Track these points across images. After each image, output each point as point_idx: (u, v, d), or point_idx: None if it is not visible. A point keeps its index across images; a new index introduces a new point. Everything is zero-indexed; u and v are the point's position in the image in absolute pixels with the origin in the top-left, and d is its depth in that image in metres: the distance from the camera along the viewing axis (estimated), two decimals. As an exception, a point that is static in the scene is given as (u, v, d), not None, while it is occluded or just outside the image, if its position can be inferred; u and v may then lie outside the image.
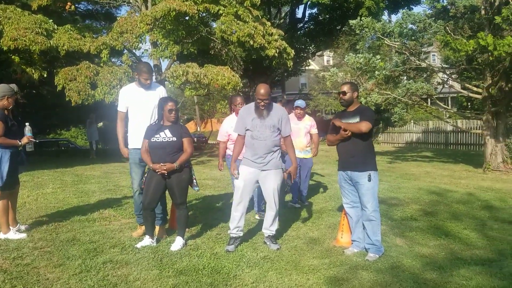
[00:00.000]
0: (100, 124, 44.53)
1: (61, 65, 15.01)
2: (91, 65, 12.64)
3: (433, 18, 11.86)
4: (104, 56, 12.56)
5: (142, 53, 16.16)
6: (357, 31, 12.75)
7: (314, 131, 7.37)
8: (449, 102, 29.01)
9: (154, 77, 5.29)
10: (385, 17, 22.17)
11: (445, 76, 13.77)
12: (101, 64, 12.93)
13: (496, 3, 10.97)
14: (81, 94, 12.08)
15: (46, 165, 13.05)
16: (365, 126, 4.40)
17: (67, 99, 12.18)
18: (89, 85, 12.38)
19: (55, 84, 12.27)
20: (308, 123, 7.24)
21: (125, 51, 13.87)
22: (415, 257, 4.52)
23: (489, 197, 7.94)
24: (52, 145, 31.06)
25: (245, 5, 13.26)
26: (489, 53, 9.82)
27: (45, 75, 12.47)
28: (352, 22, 12.43)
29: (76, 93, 12.03)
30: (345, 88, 4.66)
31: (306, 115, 7.36)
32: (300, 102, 7.23)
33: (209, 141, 37.91)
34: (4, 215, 5.11)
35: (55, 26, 12.67)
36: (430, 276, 4.01)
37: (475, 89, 12.50)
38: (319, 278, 3.96)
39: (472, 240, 5.20)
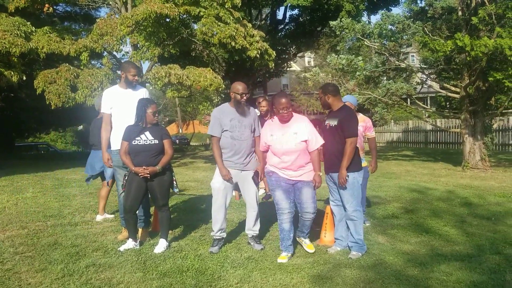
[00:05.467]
0: (80, 127, 44.05)
1: (39, 68, 14.84)
2: (71, 67, 12.53)
3: (412, 19, 12.04)
4: (84, 59, 12.45)
5: (123, 55, 16.05)
6: (338, 32, 12.86)
7: (371, 134, 5.85)
8: (428, 102, 29.43)
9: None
10: (364, 18, 22.40)
11: (424, 76, 13.99)
12: (81, 67, 12.81)
13: (473, 4, 11.20)
14: (61, 97, 11.96)
15: (26, 169, 12.89)
16: (350, 148, 4.43)
17: (47, 102, 12.03)
18: (69, 87, 12.26)
19: (35, 87, 12.12)
20: (361, 124, 5.59)
21: (105, 53, 13.77)
22: (397, 254, 4.59)
23: (468, 194, 8.09)
24: (31, 149, 30.66)
25: (226, 6, 13.26)
26: (467, 54, 10.01)
27: (24, 78, 12.28)
28: (332, 23, 12.54)
29: (56, 96, 11.90)
30: (319, 94, 4.76)
31: (360, 114, 5.79)
32: (348, 97, 5.63)
33: (191, 143, 37.85)
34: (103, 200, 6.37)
35: (34, 29, 12.52)
36: (412, 272, 4.07)
37: (453, 88, 12.72)
38: (303, 277, 3.99)
39: (452, 236, 5.30)
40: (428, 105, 25.18)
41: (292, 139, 4.46)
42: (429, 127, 21.78)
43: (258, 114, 5.64)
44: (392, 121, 24.27)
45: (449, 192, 8.41)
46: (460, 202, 7.38)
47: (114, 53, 14.04)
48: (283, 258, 4.47)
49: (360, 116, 5.70)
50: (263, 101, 6.57)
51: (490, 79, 9.98)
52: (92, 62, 17.72)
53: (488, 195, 8.01)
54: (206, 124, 42.86)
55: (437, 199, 7.69)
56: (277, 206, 4.62)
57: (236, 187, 5.10)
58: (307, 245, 4.72)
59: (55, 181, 10.55)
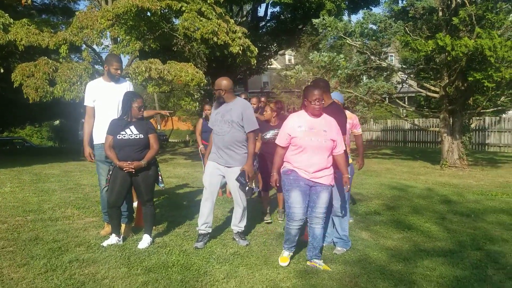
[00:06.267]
0: (57, 122, 43.25)
1: (16, 61, 14.52)
2: (49, 61, 12.27)
3: (393, 19, 12.17)
4: (63, 52, 12.22)
5: (103, 49, 15.80)
6: (320, 30, 12.92)
7: (358, 131, 5.75)
8: (406, 101, 29.83)
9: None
10: (345, 17, 22.57)
11: (404, 75, 14.16)
12: (60, 60, 12.58)
13: (453, 5, 11.38)
14: (39, 91, 11.71)
15: (2, 164, 12.60)
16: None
17: (24, 96, 11.77)
18: (48, 81, 12.02)
19: (12, 80, 11.84)
20: (349, 121, 5.39)
21: (84, 46, 13.55)
22: (380, 250, 4.64)
23: (447, 192, 8.23)
24: (7, 144, 30.03)
25: (208, 2, 13.18)
26: (447, 54, 10.17)
27: (1, 71, 11.99)
28: (315, 21, 12.59)
29: (34, 89, 11.65)
30: None
31: (348, 111, 5.72)
32: (335, 95, 5.48)
33: (170, 140, 37.57)
34: None
35: (12, 20, 12.23)
36: (396, 267, 4.12)
37: (432, 88, 12.91)
38: (290, 272, 4.00)
39: (433, 232, 5.39)
40: (407, 104, 25.52)
41: (322, 135, 4.06)
42: (407, 126, 22.08)
43: None
44: (372, 120, 24.52)
45: (428, 189, 8.54)
46: (439, 200, 7.50)
47: (94, 46, 13.83)
48: (285, 260, 4.17)
49: (348, 113, 5.60)
50: (254, 98, 6.55)
51: (470, 79, 10.15)
52: (71, 55, 17.41)
53: (466, 193, 8.16)
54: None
55: (417, 196, 7.80)
56: (289, 210, 4.13)
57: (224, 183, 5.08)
58: (323, 266, 4.13)
59: (33, 176, 10.33)
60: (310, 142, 4.03)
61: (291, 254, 4.29)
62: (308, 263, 4.19)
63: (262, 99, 7.19)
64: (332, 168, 4.17)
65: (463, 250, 4.66)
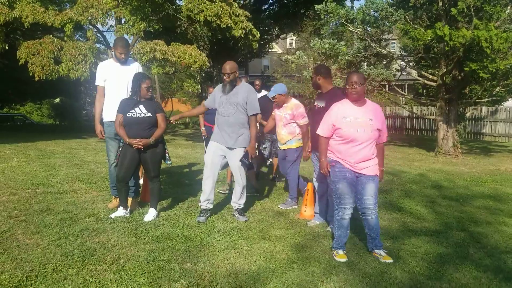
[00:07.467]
0: (57, 99, 43.28)
1: (17, 38, 14.66)
2: (54, 39, 12.46)
3: (394, 7, 12.34)
4: (68, 30, 12.40)
5: (108, 29, 15.96)
6: (322, 16, 13.09)
7: (300, 121, 5.77)
8: (406, 89, 30.02)
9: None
10: (348, 3, 22.66)
11: (403, 63, 14.37)
12: (65, 39, 12.76)
13: (453, -4, 11.55)
14: (44, 69, 11.93)
15: (6, 140, 12.87)
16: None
17: (30, 73, 12.00)
18: (53, 60, 12.23)
19: (18, 57, 12.04)
20: (287, 112, 5.83)
21: (88, 26, 13.70)
22: (371, 229, 4.95)
23: (439, 178, 8.54)
24: (7, 120, 30.25)
25: (212, -16, 13.32)
26: (445, 43, 10.38)
27: (6, 48, 12.18)
28: (317, 7, 12.76)
29: (40, 67, 11.88)
30: (312, 74, 4.99)
31: (292, 100, 5.96)
32: (279, 88, 5.91)
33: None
34: None
35: (17, -3, 12.38)
36: (384, 244, 4.41)
37: (430, 77, 13.14)
38: (285, 245, 4.31)
39: (422, 214, 5.70)
40: (406, 92, 25.73)
41: (368, 125, 3.97)
42: (405, 113, 22.34)
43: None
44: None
45: (421, 175, 8.85)
46: (431, 185, 7.81)
47: (98, 26, 14.00)
48: (343, 256, 4.02)
49: (291, 103, 5.86)
50: (257, 79, 6.94)
51: (466, 69, 10.38)
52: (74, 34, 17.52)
53: (457, 179, 8.47)
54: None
55: (410, 181, 8.11)
56: (339, 200, 4.08)
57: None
58: (383, 256, 4.04)
59: (38, 151, 10.61)
60: (356, 134, 3.95)
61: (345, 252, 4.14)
62: (374, 254, 4.12)
63: (257, 82, 7.74)
64: (376, 159, 4.11)
65: (448, 231, 4.97)
